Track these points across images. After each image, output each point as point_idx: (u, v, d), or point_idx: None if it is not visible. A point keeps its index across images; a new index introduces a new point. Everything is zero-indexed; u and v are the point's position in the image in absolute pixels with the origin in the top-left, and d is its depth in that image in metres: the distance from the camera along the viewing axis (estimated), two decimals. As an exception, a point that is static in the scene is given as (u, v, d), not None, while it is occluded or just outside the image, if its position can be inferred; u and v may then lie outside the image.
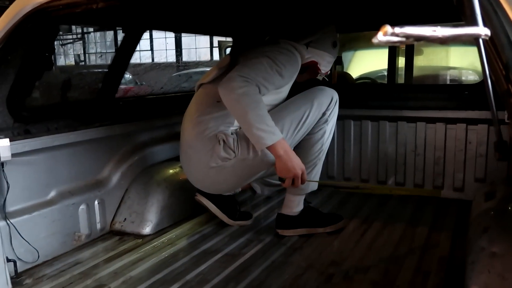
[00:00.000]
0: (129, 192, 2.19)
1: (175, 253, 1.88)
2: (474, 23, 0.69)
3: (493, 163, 2.42)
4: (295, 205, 2.04)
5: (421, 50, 3.79)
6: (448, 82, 4.16)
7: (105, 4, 1.49)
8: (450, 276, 1.64)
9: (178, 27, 3.05)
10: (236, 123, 1.89)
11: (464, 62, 4.23)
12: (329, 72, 2.29)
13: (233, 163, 1.86)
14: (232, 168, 1.87)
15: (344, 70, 4.48)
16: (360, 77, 4.83)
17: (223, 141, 1.85)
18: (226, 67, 1.94)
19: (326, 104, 1.99)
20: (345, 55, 5.02)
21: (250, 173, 1.93)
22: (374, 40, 0.67)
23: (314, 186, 2.06)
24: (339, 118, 2.73)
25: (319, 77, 2.17)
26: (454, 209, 2.37)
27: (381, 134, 2.70)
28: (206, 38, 15.83)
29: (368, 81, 4.68)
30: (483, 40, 0.70)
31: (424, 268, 1.70)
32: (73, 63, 17.92)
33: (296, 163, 1.76)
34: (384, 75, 4.99)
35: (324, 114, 1.99)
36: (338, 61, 2.50)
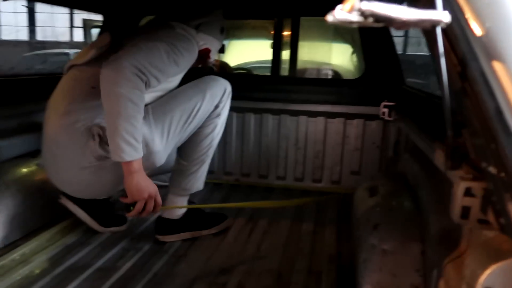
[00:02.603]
0: (-34, 198, 1.73)
1: (31, 273, 1.52)
2: (432, 6, 0.58)
3: (367, 157, 2.52)
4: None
5: (303, 45, 3.86)
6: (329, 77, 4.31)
7: None
8: (341, 275, 1.61)
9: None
10: None
11: (343, 59, 4.43)
12: (213, 61, 2.11)
13: (112, 162, 1.54)
14: (110, 168, 1.56)
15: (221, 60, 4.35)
16: (236, 68, 4.76)
17: (99, 136, 1.54)
18: (107, 48, 1.66)
19: (220, 96, 1.80)
20: (220, 44, 4.89)
21: None
22: (329, 18, 0.52)
23: (200, 185, 1.87)
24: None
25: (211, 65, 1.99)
26: (333, 201, 2.40)
27: (263, 127, 2.62)
28: (65, 16, 14.35)
29: (244, 72, 4.63)
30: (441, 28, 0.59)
31: (315, 269, 1.64)
32: None
33: (150, 183, 1.54)
34: (260, 67, 5.01)
35: (217, 106, 1.80)
36: (222, 50, 2.33)
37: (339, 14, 0.51)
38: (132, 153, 1.45)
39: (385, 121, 2.40)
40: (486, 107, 0.57)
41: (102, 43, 1.70)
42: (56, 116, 1.60)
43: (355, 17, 0.52)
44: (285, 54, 2.73)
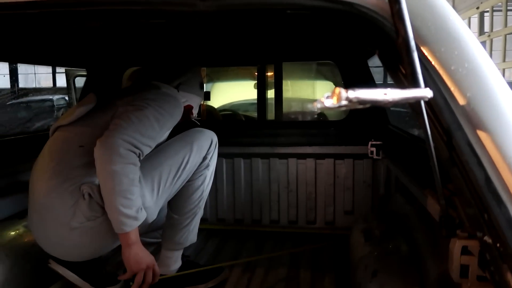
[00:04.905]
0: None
1: None
2: (415, 83, 0.60)
3: (359, 196, 2.53)
4: (172, 262, 1.80)
5: (287, 83, 3.92)
6: (315, 116, 4.37)
7: None
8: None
9: (12, 57, 2.56)
10: None
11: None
12: (196, 116, 2.13)
13: (102, 221, 1.52)
14: (100, 227, 1.53)
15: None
16: (222, 109, 4.81)
17: (89, 195, 1.51)
18: (92, 107, 1.69)
19: (207, 147, 1.82)
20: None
21: None
22: (318, 105, 0.53)
23: (193, 238, 1.85)
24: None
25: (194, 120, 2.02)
26: (328, 244, 2.38)
27: (254, 171, 2.62)
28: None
29: (230, 113, 4.68)
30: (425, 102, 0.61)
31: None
32: None
33: (147, 253, 1.57)
34: (244, 104, 5.07)
35: (205, 158, 1.81)
36: (207, 97, 2.37)
37: (328, 103, 0.52)
38: (132, 223, 1.47)
39: (374, 160, 2.42)
40: (475, 176, 0.58)
41: (86, 102, 1.72)
42: (44, 179, 1.57)
43: (342, 103, 0.53)
44: (270, 93, 2.78)
